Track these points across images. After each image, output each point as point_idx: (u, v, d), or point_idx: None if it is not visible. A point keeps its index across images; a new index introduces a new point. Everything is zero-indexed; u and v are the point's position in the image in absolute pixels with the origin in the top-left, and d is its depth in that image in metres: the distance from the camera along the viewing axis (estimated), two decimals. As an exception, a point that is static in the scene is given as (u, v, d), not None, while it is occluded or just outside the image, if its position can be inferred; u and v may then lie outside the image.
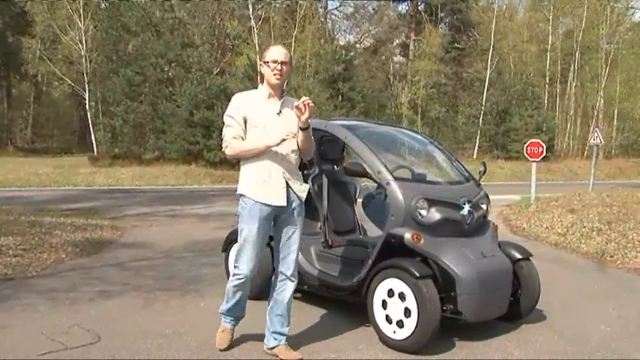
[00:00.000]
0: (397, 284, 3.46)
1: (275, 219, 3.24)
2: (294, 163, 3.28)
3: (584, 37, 29.10)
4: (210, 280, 5.16)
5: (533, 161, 11.11)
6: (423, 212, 3.62)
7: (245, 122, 3.17)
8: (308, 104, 3.03)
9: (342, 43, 28.99)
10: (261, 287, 4.09)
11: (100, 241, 7.06)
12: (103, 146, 22.44)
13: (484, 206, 4.00)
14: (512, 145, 25.55)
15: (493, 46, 27.93)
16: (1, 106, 33.89)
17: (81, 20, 23.57)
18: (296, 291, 4.47)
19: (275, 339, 3.33)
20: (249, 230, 3.17)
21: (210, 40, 23.35)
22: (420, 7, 34.34)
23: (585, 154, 28.11)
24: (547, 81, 29.95)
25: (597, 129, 15.59)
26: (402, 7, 35.71)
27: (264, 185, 3.15)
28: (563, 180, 22.13)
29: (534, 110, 26.66)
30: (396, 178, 3.69)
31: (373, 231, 4.61)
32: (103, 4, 24.34)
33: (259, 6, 25.17)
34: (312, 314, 4.22)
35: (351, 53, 26.44)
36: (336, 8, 35.00)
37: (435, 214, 3.66)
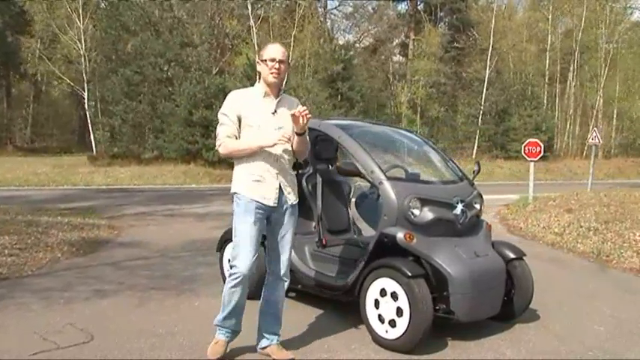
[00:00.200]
0: (389, 284, 3.46)
1: (268, 219, 3.22)
2: (288, 164, 3.27)
3: (584, 37, 29.09)
4: (205, 280, 5.16)
5: (531, 161, 11.12)
6: (416, 212, 3.62)
7: (239, 121, 3.14)
8: (305, 115, 3.01)
9: (341, 42, 28.97)
10: (257, 286, 4.09)
11: (97, 241, 7.06)
12: (102, 146, 22.45)
13: (477, 206, 4.00)
14: (512, 144, 25.55)
15: (492, 46, 27.93)
16: (1, 106, 33.92)
17: (80, 20, 23.56)
18: (290, 290, 4.49)
19: (267, 339, 3.32)
20: (245, 227, 3.11)
21: (210, 39, 23.33)
22: (419, 7, 34.35)
23: (584, 153, 28.09)
24: (546, 81, 29.95)
25: (596, 129, 15.58)
26: (402, 7, 35.80)
27: (258, 185, 3.13)
28: (562, 180, 22.13)
29: (533, 110, 26.66)
30: (388, 178, 3.69)
31: (368, 230, 4.61)
32: (103, 4, 24.34)
33: (258, 5, 25.16)
34: (305, 314, 4.22)
35: (351, 53, 26.43)
36: (336, 8, 35.06)
37: (427, 214, 3.66)
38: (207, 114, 20.11)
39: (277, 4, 26.24)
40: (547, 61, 29.60)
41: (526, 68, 29.70)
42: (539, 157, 11.12)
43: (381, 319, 3.52)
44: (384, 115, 28.04)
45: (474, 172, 4.24)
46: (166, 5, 22.85)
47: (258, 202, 3.13)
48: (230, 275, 3.16)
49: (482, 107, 27.34)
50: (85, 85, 23.79)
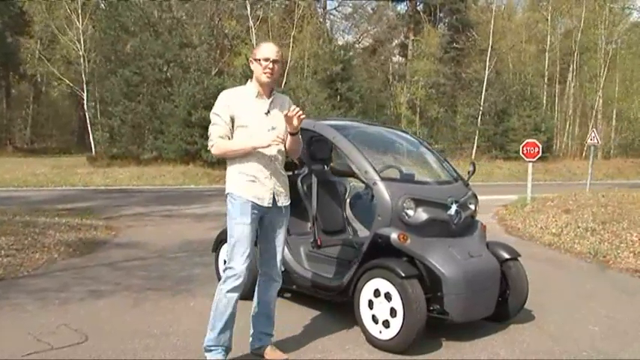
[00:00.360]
0: (383, 284, 3.46)
1: (261, 219, 3.19)
2: (281, 164, 3.25)
3: (583, 38, 29.09)
4: (201, 280, 5.16)
5: (529, 161, 11.12)
6: (410, 212, 3.62)
7: (232, 121, 3.10)
8: (299, 116, 3.00)
9: (340, 43, 28.97)
10: (251, 286, 4.09)
11: (94, 241, 7.06)
12: (101, 146, 22.43)
13: (472, 206, 4.01)
14: (511, 145, 25.53)
15: (492, 47, 27.93)
16: (0, 106, 33.91)
17: (79, 20, 23.54)
18: (285, 291, 4.51)
19: (260, 339, 3.32)
20: (241, 228, 3.06)
21: (209, 40, 23.31)
22: (418, 7, 34.35)
23: (584, 154, 28.08)
24: (546, 81, 29.94)
25: (594, 129, 15.59)
26: (401, 7, 35.76)
27: (253, 185, 3.11)
28: (561, 180, 22.13)
29: (533, 110, 26.65)
30: (383, 178, 3.70)
31: (364, 231, 4.61)
32: (102, 5, 24.34)
33: (257, 6, 25.16)
34: (300, 314, 4.22)
35: (350, 53, 26.43)
36: (335, 8, 35.08)
37: (421, 214, 3.66)
38: (206, 115, 19.98)
39: (276, 5, 26.23)
40: (546, 62, 29.60)
41: (525, 69, 29.70)
42: (538, 157, 11.12)
43: (374, 319, 3.52)
44: (383, 116, 28.02)
45: (468, 172, 4.24)
46: (165, 6, 22.85)
47: (253, 202, 3.11)
48: (226, 278, 3.07)
49: (481, 108, 27.34)
50: (84, 85, 23.78)
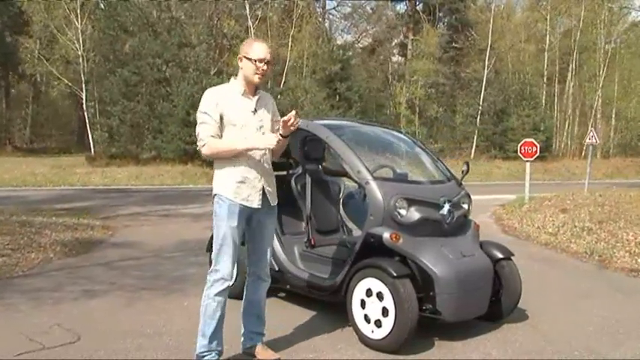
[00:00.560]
0: (375, 284, 3.46)
1: (249, 220, 3.16)
2: (269, 164, 3.23)
3: (582, 37, 29.06)
4: (195, 280, 5.15)
5: (527, 161, 11.12)
6: (402, 212, 3.62)
7: (221, 119, 3.03)
8: (295, 122, 2.96)
9: (339, 42, 28.97)
10: (242, 285, 4.08)
11: (90, 241, 7.07)
12: (101, 146, 22.42)
13: (465, 206, 4.01)
14: (510, 144, 25.49)
15: (491, 46, 27.92)
16: (0, 106, 33.89)
17: (78, 20, 23.54)
18: (279, 290, 4.52)
19: (252, 339, 3.32)
20: (229, 231, 3.03)
21: (208, 39, 23.26)
22: (418, 7, 34.32)
23: (583, 153, 28.03)
24: (545, 81, 29.92)
25: (593, 129, 15.57)
26: (400, 7, 35.72)
27: (243, 186, 3.07)
28: (560, 180, 22.11)
29: (532, 110, 26.64)
30: (375, 178, 3.69)
31: (359, 231, 4.61)
32: (101, 4, 24.32)
33: (257, 6, 25.14)
34: (294, 314, 4.22)
35: (349, 53, 26.41)
36: (334, 8, 35.06)
37: (414, 214, 3.66)
38: (205, 114, 20.07)
39: (276, 5, 26.20)
40: (545, 61, 29.57)
41: (524, 68, 29.65)
42: (535, 157, 11.12)
43: (367, 319, 3.52)
44: (383, 116, 28.01)
45: (462, 172, 4.24)
46: (164, 6, 22.81)
47: (242, 204, 3.07)
48: (213, 282, 3.06)
49: (480, 107, 27.34)
50: (83, 85, 23.78)
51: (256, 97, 3.15)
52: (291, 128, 2.99)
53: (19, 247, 6.18)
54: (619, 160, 28.09)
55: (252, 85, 3.12)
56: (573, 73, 29.90)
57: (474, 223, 4.09)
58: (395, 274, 3.35)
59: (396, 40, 35.43)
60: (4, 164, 19.79)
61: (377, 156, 4.43)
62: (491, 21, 27.98)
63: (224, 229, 3.05)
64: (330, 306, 4.10)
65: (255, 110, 3.13)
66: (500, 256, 3.98)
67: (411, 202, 3.67)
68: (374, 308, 3.47)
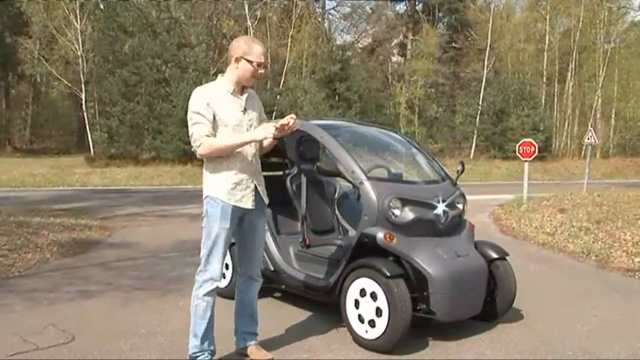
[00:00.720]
0: (369, 284, 3.46)
1: (241, 220, 3.15)
2: (259, 164, 3.23)
3: (582, 37, 29.05)
4: (191, 280, 4.98)
5: (525, 161, 11.12)
6: (397, 212, 3.62)
7: (214, 119, 2.99)
8: (292, 126, 2.94)
9: (338, 42, 28.97)
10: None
11: (87, 241, 7.07)
12: (100, 147, 22.42)
13: (460, 206, 4.00)
14: (509, 144, 25.46)
15: (490, 46, 27.90)
16: (0, 107, 33.91)
17: (77, 20, 23.55)
18: (274, 290, 4.53)
19: (245, 339, 3.32)
20: (221, 232, 3.02)
21: (207, 40, 23.29)
22: (417, 7, 34.33)
23: (583, 153, 28.02)
24: (544, 80, 29.91)
25: (591, 128, 15.57)
26: (400, 7, 35.73)
27: (236, 187, 3.05)
28: (559, 179, 22.12)
29: (531, 110, 26.63)
30: (369, 178, 3.69)
31: (354, 231, 4.60)
32: (101, 5, 24.32)
33: (256, 6, 25.14)
34: (289, 314, 4.22)
35: (348, 53, 26.39)
36: (334, 8, 35.07)
37: (408, 214, 3.66)
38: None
39: (275, 5, 26.19)
40: (545, 61, 29.56)
41: (524, 68, 29.64)
42: (534, 157, 11.11)
43: (360, 319, 3.52)
44: (382, 116, 27.98)
45: (457, 172, 4.24)
46: (163, 6, 22.82)
47: (234, 206, 3.05)
48: (202, 282, 3.06)
49: (480, 107, 27.32)
50: (83, 86, 23.79)
51: (245, 96, 3.13)
52: (288, 132, 2.97)
53: (15, 248, 6.17)
54: (619, 160, 28.08)
55: (242, 85, 3.11)
56: (573, 73, 29.88)
57: (469, 223, 4.09)
58: (388, 274, 3.35)
59: (395, 40, 35.44)
60: (3, 165, 19.81)
61: (372, 156, 4.44)
62: (491, 21, 27.97)
63: (217, 230, 3.03)
64: (326, 306, 4.10)
65: (245, 109, 3.12)
66: (494, 256, 3.98)
67: (405, 202, 3.67)
68: (368, 308, 3.47)
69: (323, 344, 3.61)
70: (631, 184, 17.59)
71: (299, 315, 4.21)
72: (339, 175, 3.82)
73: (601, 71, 28.97)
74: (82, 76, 23.74)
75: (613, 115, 30.76)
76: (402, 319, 3.31)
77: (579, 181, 17.09)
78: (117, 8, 22.34)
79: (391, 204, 3.60)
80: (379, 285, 3.39)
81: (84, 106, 24.04)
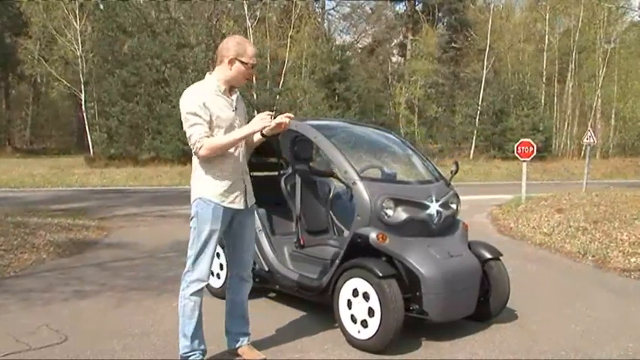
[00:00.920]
0: (361, 284, 3.46)
1: (230, 221, 3.13)
2: (246, 164, 3.22)
3: (581, 37, 29.04)
4: (187, 280, 5.15)
5: (524, 161, 11.10)
6: (389, 212, 3.62)
7: (210, 119, 2.96)
8: (287, 124, 2.98)
9: (338, 43, 28.97)
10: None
11: (84, 242, 7.07)
12: (99, 147, 22.45)
13: (453, 206, 4.00)
14: (509, 144, 25.41)
15: (490, 46, 27.90)
16: (0, 107, 33.94)
17: (77, 21, 23.58)
18: (268, 290, 4.53)
19: (236, 340, 3.31)
20: (212, 234, 3.01)
21: (206, 40, 23.31)
22: (417, 7, 34.34)
23: (582, 153, 28.01)
24: (544, 81, 29.90)
25: (590, 128, 15.56)
26: (400, 7, 35.76)
27: (228, 189, 3.04)
28: (559, 180, 22.07)
29: (531, 110, 26.63)
30: (362, 178, 3.69)
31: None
32: (100, 5, 24.34)
33: (255, 6, 25.15)
34: (282, 314, 4.22)
35: (348, 53, 26.39)
36: (333, 8, 35.08)
37: (401, 214, 3.65)
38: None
39: (274, 5, 26.21)
40: (545, 61, 29.55)
41: (524, 68, 29.64)
42: (533, 157, 11.10)
43: (353, 319, 3.52)
44: (382, 116, 28.01)
45: (451, 172, 4.23)
46: (163, 6, 22.85)
47: (228, 207, 3.04)
48: (189, 282, 3.05)
49: (479, 107, 27.32)
50: (82, 86, 23.81)
51: (234, 96, 3.13)
52: (282, 129, 3.01)
53: (12, 248, 6.18)
54: (618, 160, 28.04)
55: (232, 85, 3.10)
56: (572, 73, 29.86)
57: (463, 223, 4.08)
58: (380, 275, 3.35)
59: (395, 41, 35.48)
60: (2, 165, 19.83)
61: (366, 156, 4.43)
62: (490, 21, 27.97)
63: (207, 231, 3.02)
64: (320, 306, 4.10)
65: (236, 109, 3.12)
66: (488, 256, 3.97)
67: (398, 202, 3.67)
68: (360, 308, 3.47)
69: (316, 344, 3.61)
70: (630, 184, 17.57)
71: (292, 315, 4.21)
72: (332, 175, 3.82)
73: (600, 71, 28.95)
74: (81, 76, 23.77)
75: (613, 116, 30.73)
76: (395, 319, 3.31)
77: (579, 181, 17.05)
78: (116, 8, 22.37)
79: (384, 204, 3.60)
80: (371, 285, 3.39)
81: (83, 107, 24.08)
